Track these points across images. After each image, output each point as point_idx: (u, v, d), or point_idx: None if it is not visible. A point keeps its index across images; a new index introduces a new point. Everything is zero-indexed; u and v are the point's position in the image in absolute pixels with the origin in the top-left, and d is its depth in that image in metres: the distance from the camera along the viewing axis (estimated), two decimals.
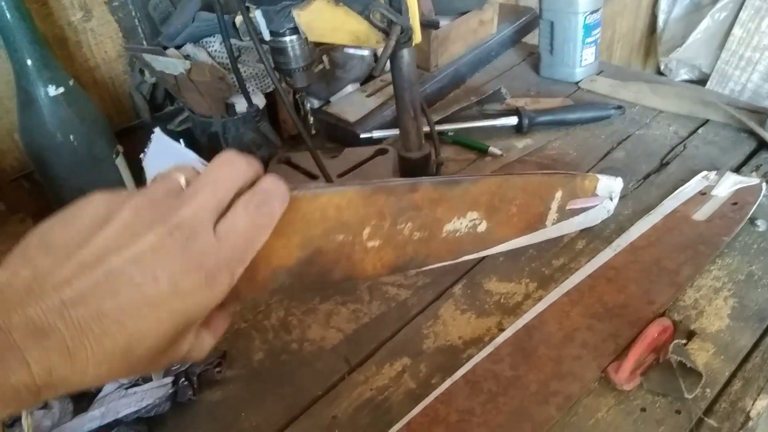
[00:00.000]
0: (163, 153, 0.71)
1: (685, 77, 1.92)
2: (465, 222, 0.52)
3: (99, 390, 0.52)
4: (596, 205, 0.66)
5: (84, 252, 0.29)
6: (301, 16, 0.60)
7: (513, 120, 0.85)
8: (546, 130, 0.85)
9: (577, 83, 0.95)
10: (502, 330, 0.58)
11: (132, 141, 0.75)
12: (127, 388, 0.51)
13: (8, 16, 0.61)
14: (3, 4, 0.60)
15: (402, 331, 0.60)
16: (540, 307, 0.60)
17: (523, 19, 1.10)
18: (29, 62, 0.63)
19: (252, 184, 0.34)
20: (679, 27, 1.92)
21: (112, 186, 0.71)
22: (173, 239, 0.29)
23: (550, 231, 0.63)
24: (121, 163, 0.73)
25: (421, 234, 0.49)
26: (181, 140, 0.78)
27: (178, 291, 0.29)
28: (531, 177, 0.61)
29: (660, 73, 1.95)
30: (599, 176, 0.64)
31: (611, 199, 0.67)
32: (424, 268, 0.51)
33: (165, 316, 0.29)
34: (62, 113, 0.65)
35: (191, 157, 0.70)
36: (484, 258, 0.66)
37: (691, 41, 1.86)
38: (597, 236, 0.68)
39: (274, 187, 0.34)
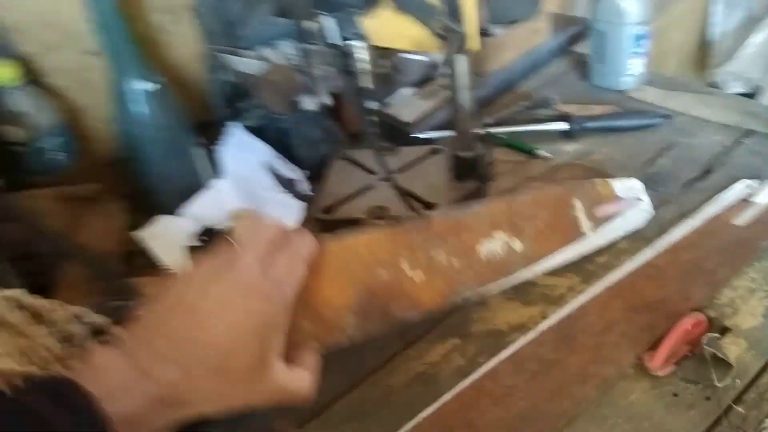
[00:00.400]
0: (239, 146, 0.79)
1: (737, 90, 1.92)
2: (497, 243, 0.55)
3: None
4: (625, 209, 0.69)
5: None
6: (368, 23, 0.66)
7: (562, 125, 0.89)
8: (594, 136, 0.89)
9: (625, 92, 0.98)
10: (545, 318, 0.63)
11: (209, 134, 0.82)
12: None
13: (109, 17, 0.69)
14: (105, 7, 0.68)
15: (453, 314, 0.65)
16: (582, 298, 0.64)
17: (574, 28, 1.13)
18: (123, 60, 0.71)
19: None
20: (732, 39, 1.92)
21: (192, 172, 0.79)
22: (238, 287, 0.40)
23: (594, 239, 0.66)
24: (199, 153, 0.80)
25: (459, 260, 0.53)
26: (254, 133, 0.85)
27: (247, 310, 0.39)
28: (539, 192, 0.64)
29: (712, 85, 1.95)
30: (610, 180, 0.67)
31: (640, 198, 0.69)
32: (485, 293, 0.55)
33: (240, 332, 0.39)
34: (154, 107, 0.73)
35: (264, 150, 0.78)
36: None
37: (743, 54, 1.85)
38: (639, 237, 0.71)
39: (301, 237, 0.44)
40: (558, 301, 0.65)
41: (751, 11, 1.91)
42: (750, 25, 1.89)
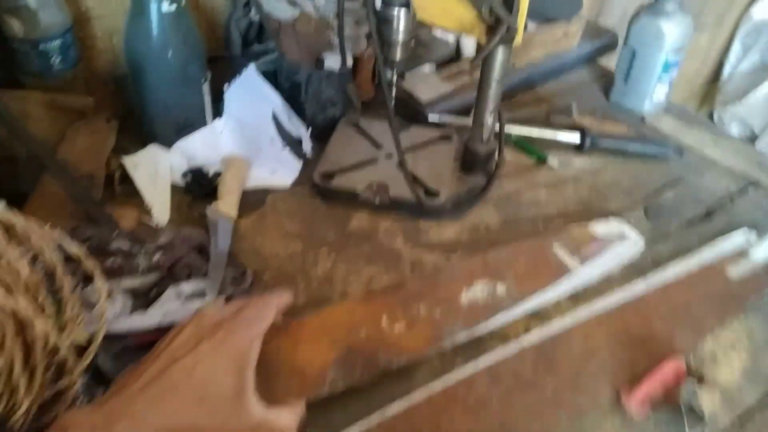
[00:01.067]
0: (249, 89, 0.74)
1: (735, 132, 1.93)
2: (477, 291, 0.61)
3: (157, 296, 0.56)
4: (609, 246, 0.70)
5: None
6: None
7: (576, 137, 0.87)
8: (605, 155, 0.88)
9: (643, 117, 0.97)
10: (528, 331, 0.62)
11: (217, 70, 0.78)
12: (186, 298, 0.55)
13: None
14: None
15: None
16: (568, 320, 0.63)
17: (604, 40, 1.11)
18: None
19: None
20: (742, 82, 1.92)
21: (194, 106, 0.74)
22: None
23: (584, 272, 0.66)
24: (206, 87, 0.76)
25: (441, 309, 0.58)
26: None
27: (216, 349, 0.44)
28: (514, 247, 0.68)
29: (711, 121, 1.96)
30: (589, 223, 0.70)
31: (625, 236, 0.70)
32: (470, 335, 0.58)
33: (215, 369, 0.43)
34: (169, 29, 0.68)
35: (275, 100, 0.74)
36: None
37: (750, 99, 1.86)
38: (633, 267, 0.71)
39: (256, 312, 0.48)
40: (542, 318, 0.64)
41: (764, 58, 1.91)
42: (763, 71, 1.89)
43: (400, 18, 0.64)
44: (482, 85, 0.69)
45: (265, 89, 0.72)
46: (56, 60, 0.68)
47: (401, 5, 0.63)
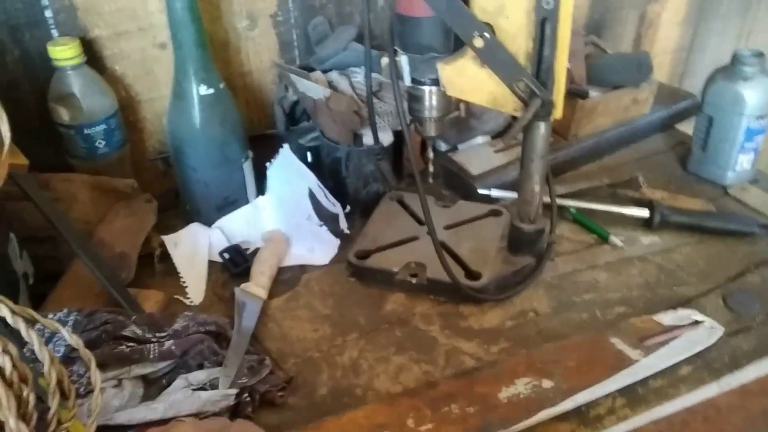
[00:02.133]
0: (287, 168, 0.74)
1: None
2: (520, 387, 0.56)
3: (169, 383, 0.55)
4: (680, 335, 0.61)
5: None
6: (445, 70, 0.60)
7: (644, 212, 0.79)
8: (677, 232, 0.79)
9: (725, 188, 0.87)
10: None
11: (264, 148, 0.78)
12: (194, 390, 0.53)
13: (181, 15, 0.65)
14: (178, 4, 0.65)
15: None
16: (623, 427, 0.55)
17: (681, 104, 1.03)
18: (190, 61, 0.68)
19: None
20: None
21: (235, 184, 0.75)
22: None
23: (649, 362, 0.59)
24: (248, 167, 0.76)
25: (475, 408, 0.54)
26: (309, 153, 0.81)
27: None
28: (562, 344, 0.62)
29: None
30: (653, 316, 0.63)
31: (698, 321, 0.62)
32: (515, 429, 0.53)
33: None
34: (207, 112, 0.70)
35: (310, 178, 0.73)
36: None
37: None
38: (705, 365, 0.61)
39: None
40: (594, 422, 0.56)
41: None
42: None
43: (431, 95, 0.62)
44: (524, 161, 0.65)
45: (300, 167, 0.72)
46: (101, 143, 0.71)
47: (431, 83, 0.61)
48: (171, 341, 0.54)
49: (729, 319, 0.66)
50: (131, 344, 0.54)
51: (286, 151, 0.72)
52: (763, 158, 0.89)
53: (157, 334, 0.55)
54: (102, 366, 0.52)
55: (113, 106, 0.73)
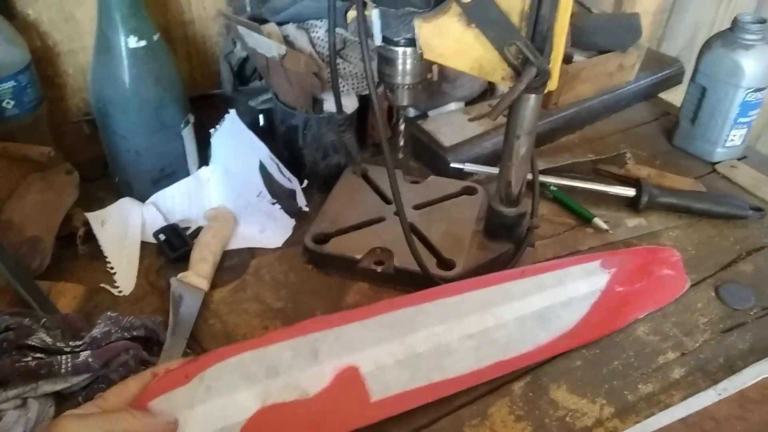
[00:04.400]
0: (233, 136, 0.64)
1: None
2: None
3: (87, 399, 0.46)
4: None
5: None
6: (423, 29, 0.50)
7: (630, 191, 0.72)
8: (665, 214, 0.73)
9: (714, 165, 0.81)
10: None
11: (207, 111, 0.68)
12: None
13: None
14: None
15: (440, 421, 0.51)
16: None
17: (667, 71, 0.96)
18: (116, 5, 0.56)
19: None
20: None
21: (174, 152, 0.65)
22: None
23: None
24: (188, 133, 0.66)
25: None
26: (261, 117, 0.71)
27: None
28: None
29: None
30: None
31: None
32: None
33: None
34: (138, 68, 0.59)
35: (261, 149, 0.63)
36: (556, 357, 0.56)
37: None
38: (700, 367, 0.56)
39: None
40: None
41: None
42: None
43: (404, 59, 0.53)
44: (508, 138, 0.57)
45: (250, 138, 0.62)
46: (9, 103, 0.60)
47: (406, 44, 0.51)
48: (88, 351, 0.45)
49: (723, 315, 0.61)
50: (39, 355, 0.45)
51: (233, 116, 0.62)
52: (752, 133, 0.83)
53: (71, 343, 0.46)
54: (1, 383, 0.43)
55: (25, 58, 0.61)
